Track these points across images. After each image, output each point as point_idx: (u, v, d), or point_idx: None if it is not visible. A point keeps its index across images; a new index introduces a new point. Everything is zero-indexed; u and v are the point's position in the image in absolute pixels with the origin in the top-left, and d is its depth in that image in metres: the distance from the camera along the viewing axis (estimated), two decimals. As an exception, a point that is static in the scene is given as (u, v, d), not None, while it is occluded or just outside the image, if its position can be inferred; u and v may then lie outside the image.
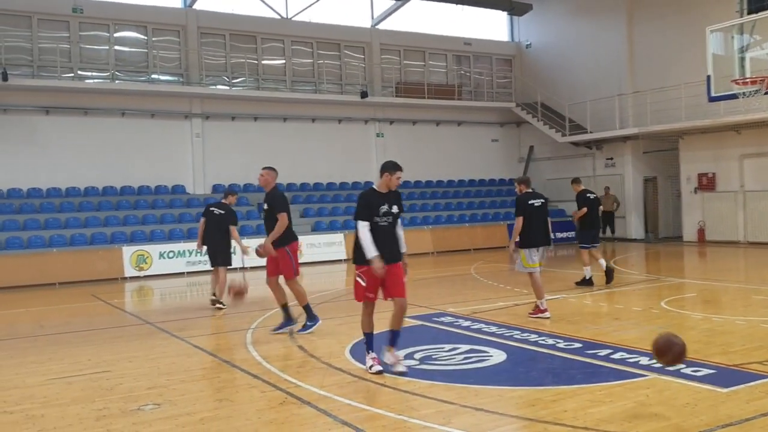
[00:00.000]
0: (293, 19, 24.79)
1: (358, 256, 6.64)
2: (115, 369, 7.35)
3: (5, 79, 18.58)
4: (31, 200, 19.37)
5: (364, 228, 6.54)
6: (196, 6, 22.69)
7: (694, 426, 4.00)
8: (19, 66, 20.08)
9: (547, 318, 9.25)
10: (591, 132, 24.39)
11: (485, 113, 27.84)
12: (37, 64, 20.37)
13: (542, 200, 9.80)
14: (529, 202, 9.58)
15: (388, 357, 6.72)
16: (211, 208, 11.53)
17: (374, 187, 6.87)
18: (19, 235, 17.78)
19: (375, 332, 6.81)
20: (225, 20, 23.39)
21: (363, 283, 6.63)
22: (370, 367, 6.66)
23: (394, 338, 6.79)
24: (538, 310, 9.44)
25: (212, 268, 11.63)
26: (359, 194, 6.85)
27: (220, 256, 11.44)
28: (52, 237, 17.92)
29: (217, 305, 11.31)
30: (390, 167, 6.71)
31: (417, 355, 7.31)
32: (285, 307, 9.03)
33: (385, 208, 6.63)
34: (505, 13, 28.58)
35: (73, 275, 16.96)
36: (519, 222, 9.51)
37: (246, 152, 22.44)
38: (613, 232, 23.80)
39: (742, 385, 5.78)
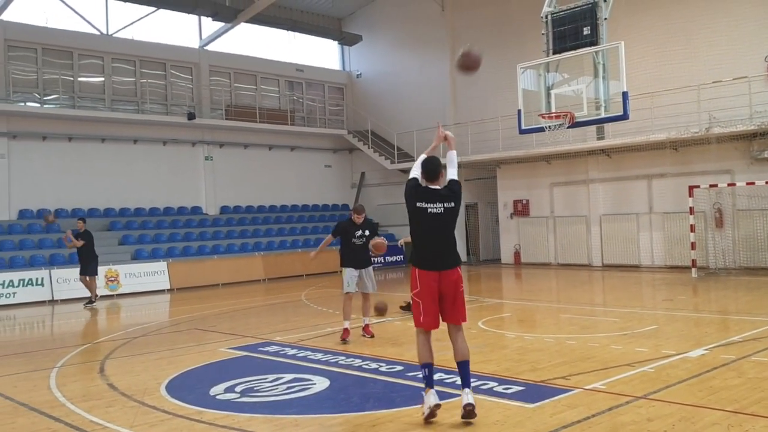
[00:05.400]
0: (114, 35, 23.58)
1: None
2: None
3: None
4: None
5: None
6: (4, 17, 20.77)
7: (502, 443, 4.19)
8: None
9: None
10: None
11: (318, 139, 28.05)
12: None
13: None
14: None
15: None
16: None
17: None
18: None
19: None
20: (37, 33, 21.70)
21: None
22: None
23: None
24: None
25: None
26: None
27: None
28: None
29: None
30: None
31: (238, 388, 7.04)
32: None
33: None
34: (336, 43, 29.33)
35: None
36: None
37: (59, 174, 20.98)
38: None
39: (548, 400, 6.14)
